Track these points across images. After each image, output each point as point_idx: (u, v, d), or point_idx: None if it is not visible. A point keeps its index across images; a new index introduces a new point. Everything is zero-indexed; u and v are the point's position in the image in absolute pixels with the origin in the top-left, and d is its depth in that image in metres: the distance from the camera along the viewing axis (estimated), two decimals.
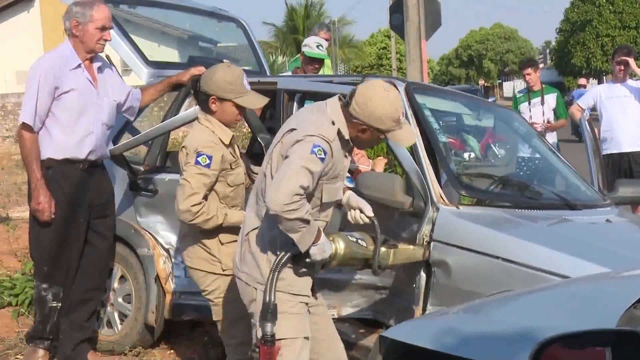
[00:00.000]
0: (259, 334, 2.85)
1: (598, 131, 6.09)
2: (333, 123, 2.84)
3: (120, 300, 4.52)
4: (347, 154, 2.98)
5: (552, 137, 6.87)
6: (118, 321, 4.51)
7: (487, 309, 2.19)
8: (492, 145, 6.77)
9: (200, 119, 3.44)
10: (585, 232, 3.66)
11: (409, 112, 3.72)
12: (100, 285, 4.23)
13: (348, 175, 3.26)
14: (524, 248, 3.31)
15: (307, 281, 2.99)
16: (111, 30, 4.04)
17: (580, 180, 4.35)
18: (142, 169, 4.46)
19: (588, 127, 4.71)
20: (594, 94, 6.70)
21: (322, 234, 2.86)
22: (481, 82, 39.47)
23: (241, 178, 3.47)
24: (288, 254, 2.85)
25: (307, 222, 2.72)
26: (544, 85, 7.20)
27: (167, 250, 4.37)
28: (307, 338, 2.96)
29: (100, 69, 4.05)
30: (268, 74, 5.63)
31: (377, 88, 2.85)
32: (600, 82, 35.39)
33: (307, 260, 2.87)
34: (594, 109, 6.63)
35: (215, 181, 3.36)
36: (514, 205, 3.81)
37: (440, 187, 3.63)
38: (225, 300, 3.45)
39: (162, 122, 4.41)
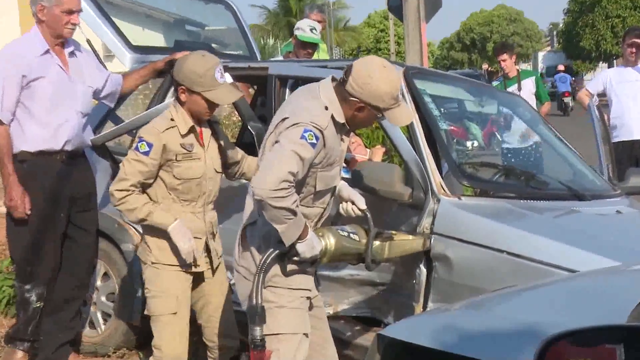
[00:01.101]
0: (249, 339, 2.84)
1: (608, 117, 6.08)
2: (326, 108, 2.84)
3: (103, 299, 4.51)
4: (343, 137, 2.98)
5: None
6: (101, 321, 4.51)
7: (491, 305, 2.20)
8: (496, 133, 6.76)
9: (170, 105, 3.41)
10: (594, 224, 3.66)
11: (408, 98, 3.72)
12: (85, 282, 4.21)
13: (344, 165, 3.24)
14: (529, 241, 3.32)
15: (307, 276, 3.00)
16: (92, 13, 4.00)
17: (588, 169, 4.35)
18: None
19: (597, 113, 4.71)
20: (604, 78, 6.68)
21: (310, 230, 2.85)
22: (485, 66, 39.38)
23: (194, 173, 3.35)
24: (275, 253, 2.82)
25: (293, 213, 2.71)
26: (519, 70, 7.20)
27: None
28: (306, 335, 2.96)
29: (72, 54, 4.00)
30: (259, 58, 5.61)
31: (376, 65, 2.85)
32: (610, 66, 35.37)
33: (296, 258, 2.86)
34: (603, 94, 6.62)
35: (157, 170, 3.31)
36: (518, 196, 3.81)
37: (441, 177, 3.63)
38: (151, 294, 3.40)
39: (146, 110, 4.40)
